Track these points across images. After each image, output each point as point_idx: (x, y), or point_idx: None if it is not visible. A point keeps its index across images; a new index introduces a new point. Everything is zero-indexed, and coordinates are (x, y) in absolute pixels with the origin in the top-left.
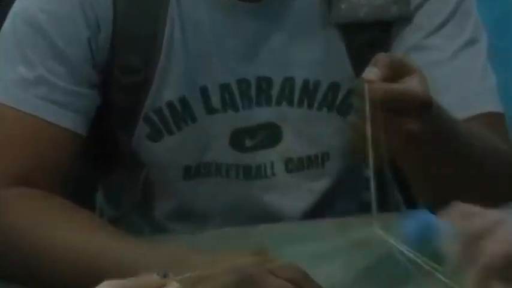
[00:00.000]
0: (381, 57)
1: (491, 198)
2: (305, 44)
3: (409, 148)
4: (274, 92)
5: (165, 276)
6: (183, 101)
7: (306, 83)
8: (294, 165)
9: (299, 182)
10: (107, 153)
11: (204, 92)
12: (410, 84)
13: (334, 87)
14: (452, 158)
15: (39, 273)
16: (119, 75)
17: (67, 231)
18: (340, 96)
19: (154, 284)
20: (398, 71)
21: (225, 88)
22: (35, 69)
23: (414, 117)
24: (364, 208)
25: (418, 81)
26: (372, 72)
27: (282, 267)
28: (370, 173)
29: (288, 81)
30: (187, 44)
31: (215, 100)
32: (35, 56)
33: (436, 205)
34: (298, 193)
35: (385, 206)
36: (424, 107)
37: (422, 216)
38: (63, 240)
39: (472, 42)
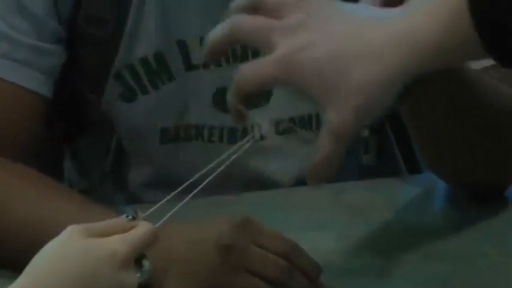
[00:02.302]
0: None
1: (500, 156)
2: None
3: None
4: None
5: (134, 218)
6: (159, 57)
7: None
8: (284, 127)
9: (291, 146)
10: (75, 117)
11: (182, 46)
12: None
13: None
14: (458, 102)
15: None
16: (85, 29)
17: (27, 199)
18: None
19: (123, 226)
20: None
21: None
22: None
23: None
24: (362, 173)
25: None
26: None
27: (268, 238)
28: None
29: None
30: None
31: (195, 55)
32: None
33: (443, 168)
34: (290, 158)
35: (385, 168)
36: None
37: None
38: (27, 212)
39: None
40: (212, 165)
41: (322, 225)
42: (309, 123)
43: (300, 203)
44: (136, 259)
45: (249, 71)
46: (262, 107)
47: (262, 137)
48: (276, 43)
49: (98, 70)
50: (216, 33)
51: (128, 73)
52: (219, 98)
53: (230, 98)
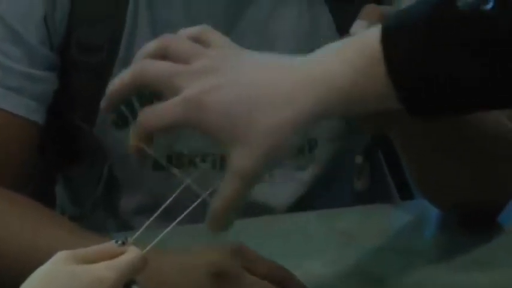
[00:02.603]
0: (371, 9)
1: (492, 182)
2: (287, 18)
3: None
4: None
5: (123, 243)
6: None
7: None
8: None
9: (284, 172)
10: (67, 144)
11: None
12: None
13: None
14: (451, 131)
15: None
16: (78, 56)
17: (17, 227)
18: None
19: (112, 252)
20: None
21: None
22: None
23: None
24: (355, 199)
25: None
26: (361, 27)
27: (260, 265)
28: None
29: None
30: (154, 19)
31: None
32: None
33: (433, 193)
34: (283, 184)
35: (378, 195)
36: None
37: None
38: (15, 237)
39: None
40: (207, 192)
41: (314, 251)
42: (301, 149)
43: (292, 229)
44: (126, 285)
45: (154, 112)
46: None
47: None
48: (182, 87)
49: (90, 97)
50: (121, 79)
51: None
52: None
53: (131, 137)
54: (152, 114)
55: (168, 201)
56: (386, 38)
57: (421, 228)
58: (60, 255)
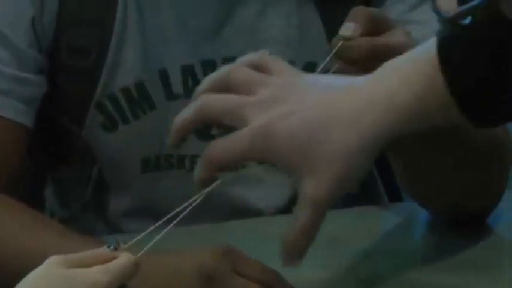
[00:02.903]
0: (360, 11)
1: (482, 185)
2: (276, 20)
3: None
4: None
5: (115, 248)
6: (140, 87)
7: None
8: None
9: (274, 174)
10: (56, 146)
11: (164, 75)
12: (396, 39)
13: (310, 67)
14: (441, 134)
15: None
16: (66, 58)
17: (7, 231)
18: None
19: (104, 257)
20: (377, 26)
21: (187, 70)
22: None
23: None
24: (344, 201)
25: (402, 34)
26: (350, 29)
27: (250, 267)
28: None
29: None
30: (143, 22)
31: (176, 84)
32: None
33: (420, 195)
34: (273, 186)
35: (367, 197)
36: None
37: None
38: (4, 241)
39: None
40: (201, 196)
41: None
42: None
43: (282, 231)
44: None
45: (222, 144)
46: None
47: (243, 166)
48: (250, 118)
49: (79, 100)
50: (185, 115)
51: (109, 103)
52: (201, 128)
53: (197, 172)
54: (221, 147)
55: (191, 207)
56: (442, 50)
57: (410, 230)
58: (52, 260)
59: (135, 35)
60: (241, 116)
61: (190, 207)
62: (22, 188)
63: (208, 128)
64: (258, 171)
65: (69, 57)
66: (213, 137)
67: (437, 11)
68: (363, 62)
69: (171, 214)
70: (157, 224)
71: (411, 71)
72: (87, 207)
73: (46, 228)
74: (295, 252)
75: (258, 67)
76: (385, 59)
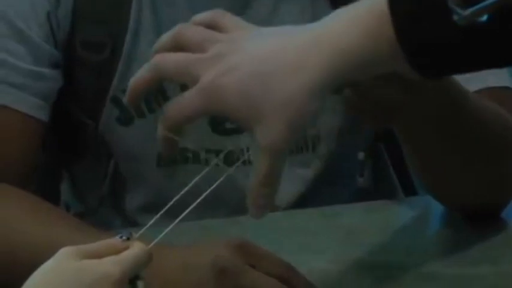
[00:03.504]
0: None
1: (496, 179)
2: (291, 14)
3: (410, 108)
4: None
5: (128, 238)
6: None
7: None
8: None
9: (286, 169)
10: (72, 140)
11: None
12: None
13: None
14: (455, 125)
15: None
16: (82, 53)
17: (22, 224)
18: None
19: (116, 247)
20: None
21: None
22: None
23: (395, 82)
24: (358, 195)
25: None
26: None
27: (265, 260)
28: None
29: None
30: (158, 17)
31: None
32: None
33: (435, 188)
34: (287, 180)
35: (381, 191)
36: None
37: None
38: (20, 234)
39: None
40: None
41: (317, 247)
42: (305, 145)
43: (295, 225)
44: (131, 280)
45: (175, 104)
46: None
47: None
48: (199, 75)
49: (95, 94)
50: (139, 75)
51: (125, 97)
52: (216, 121)
53: (160, 130)
54: (174, 107)
55: (201, 197)
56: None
57: (425, 224)
58: (64, 251)
59: (150, 29)
60: (192, 73)
61: (201, 198)
62: (38, 182)
63: (222, 121)
64: None
65: (85, 52)
66: (227, 131)
67: (453, 8)
68: None
69: (169, 205)
70: (160, 213)
71: (361, 15)
72: (103, 202)
73: (61, 222)
74: (260, 202)
75: (211, 25)
76: None
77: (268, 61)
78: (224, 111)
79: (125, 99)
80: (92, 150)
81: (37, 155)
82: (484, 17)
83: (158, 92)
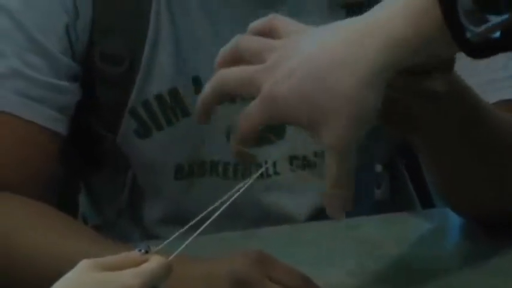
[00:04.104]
0: None
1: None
2: (309, 24)
3: (431, 114)
4: None
5: (146, 251)
6: (174, 93)
7: None
8: (299, 163)
9: (305, 182)
10: (90, 153)
11: (197, 82)
12: None
13: None
14: (474, 136)
15: (9, 280)
16: (100, 66)
17: (40, 236)
18: None
19: (135, 260)
20: None
21: None
22: (10, 62)
23: (437, 76)
24: (375, 208)
25: None
26: None
27: (283, 273)
28: None
29: None
30: (177, 30)
31: None
32: (8, 47)
33: (453, 198)
34: (304, 193)
35: (398, 203)
36: (447, 64)
37: None
38: (37, 246)
39: None
40: (223, 199)
41: (335, 260)
42: (323, 158)
43: (313, 238)
44: None
45: (243, 118)
46: (277, 142)
47: (276, 173)
48: (261, 85)
49: (113, 107)
50: (206, 91)
51: (143, 109)
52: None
53: (232, 143)
54: (242, 120)
55: (220, 210)
56: None
57: (443, 236)
58: (83, 264)
59: (168, 42)
60: (254, 85)
61: (220, 210)
62: (55, 194)
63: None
64: (289, 178)
65: (103, 64)
66: None
67: (465, 27)
68: None
69: (196, 220)
70: (183, 229)
71: (406, 1)
72: (121, 214)
73: (79, 234)
74: (338, 203)
75: (267, 32)
76: (424, 63)
77: (321, 60)
78: (286, 118)
79: (197, 118)
80: (110, 163)
81: (55, 167)
82: (497, 34)
83: (176, 104)
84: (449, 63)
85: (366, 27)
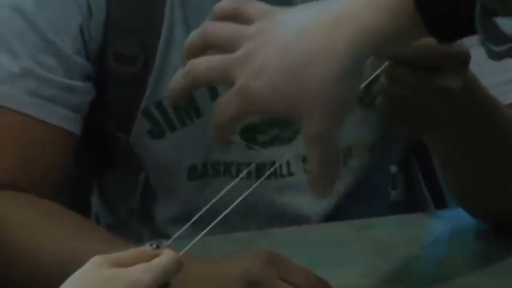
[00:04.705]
0: None
1: None
2: None
3: (446, 110)
4: None
5: (158, 246)
6: None
7: None
8: None
9: None
10: (103, 153)
11: None
12: None
13: None
14: (487, 136)
15: (18, 279)
16: (114, 66)
17: (54, 238)
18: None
19: (146, 255)
20: None
21: None
22: (22, 62)
23: (452, 73)
24: (390, 209)
25: None
26: None
27: (295, 274)
28: None
29: None
30: (190, 29)
31: (223, 91)
32: (21, 46)
33: (466, 198)
34: None
35: (413, 204)
36: (463, 61)
37: None
38: (49, 244)
39: None
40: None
41: (348, 261)
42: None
43: (326, 238)
44: (161, 287)
45: (217, 110)
46: (289, 143)
47: (290, 174)
48: (233, 76)
49: (126, 107)
50: (176, 81)
51: (156, 110)
52: (247, 135)
53: (210, 129)
54: (218, 111)
55: (229, 209)
56: None
57: (456, 237)
58: (95, 260)
59: (182, 40)
60: (227, 76)
61: (228, 210)
62: (69, 193)
63: (254, 135)
64: (303, 179)
65: (116, 65)
66: (259, 144)
67: (485, 44)
68: (412, 62)
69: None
70: (190, 222)
71: None
72: (134, 214)
73: (90, 234)
74: (323, 183)
75: (234, 16)
76: (435, 59)
77: (294, 53)
78: (263, 111)
79: (166, 103)
80: (123, 163)
81: (68, 167)
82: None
83: (190, 105)
84: (465, 61)
85: (336, 19)
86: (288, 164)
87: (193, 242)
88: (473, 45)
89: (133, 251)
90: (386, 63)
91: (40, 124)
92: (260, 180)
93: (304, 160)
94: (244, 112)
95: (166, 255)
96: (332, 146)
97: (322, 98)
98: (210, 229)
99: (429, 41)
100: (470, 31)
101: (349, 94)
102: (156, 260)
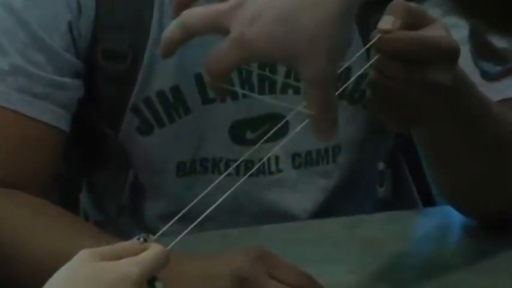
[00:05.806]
0: (398, 4)
1: None
2: None
3: (435, 105)
4: (279, 78)
5: (145, 240)
6: (176, 90)
7: None
8: (301, 160)
9: (307, 179)
10: (92, 150)
11: (199, 80)
12: (435, 32)
13: (344, 71)
14: (476, 133)
15: (12, 277)
16: (103, 63)
17: (44, 235)
18: (351, 83)
19: (134, 249)
20: (416, 20)
21: None
22: (11, 59)
23: (442, 67)
24: (377, 206)
25: (441, 28)
26: (389, 22)
27: (284, 271)
28: None
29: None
30: None
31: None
32: (10, 44)
33: (454, 195)
34: (306, 191)
35: (401, 201)
36: (453, 56)
37: None
38: (40, 242)
39: None
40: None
41: (337, 258)
42: (326, 156)
43: (315, 236)
44: (149, 281)
45: (212, 59)
46: (278, 140)
47: (279, 170)
48: (227, 25)
49: (115, 103)
50: (170, 31)
51: (145, 106)
52: (236, 132)
53: (206, 78)
54: (213, 60)
55: (215, 205)
56: None
57: (444, 234)
58: (83, 253)
59: None
60: (221, 26)
61: (214, 205)
62: (57, 191)
63: (243, 132)
64: (291, 176)
65: (106, 62)
66: (247, 141)
67: (482, 68)
68: (402, 56)
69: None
70: (176, 218)
71: None
72: (123, 211)
73: (80, 232)
74: (325, 126)
75: None
76: (424, 52)
77: (289, 1)
78: (260, 59)
79: (159, 52)
80: (112, 160)
81: (57, 163)
82: None
83: (178, 101)
84: (455, 56)
85: None
86: (277, 161)
87: (178, 238)
88: (461, 42)
89: (120, 245)
90: (376, 57)
91: (30, 121)
92: (247, 176)
93: (294, 157)
94: (240, 61)
95: (153, 249)
96: (330, 87)
97: (317, 40)
98: (200, 226)
99: (420, 34)
100: None
101: (343, 35)
102: (144, 254)
